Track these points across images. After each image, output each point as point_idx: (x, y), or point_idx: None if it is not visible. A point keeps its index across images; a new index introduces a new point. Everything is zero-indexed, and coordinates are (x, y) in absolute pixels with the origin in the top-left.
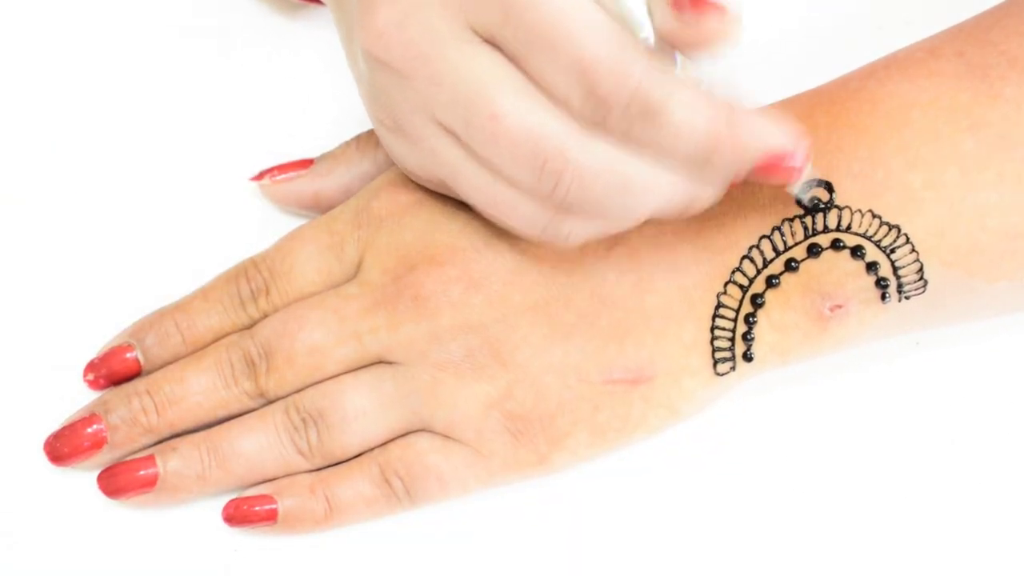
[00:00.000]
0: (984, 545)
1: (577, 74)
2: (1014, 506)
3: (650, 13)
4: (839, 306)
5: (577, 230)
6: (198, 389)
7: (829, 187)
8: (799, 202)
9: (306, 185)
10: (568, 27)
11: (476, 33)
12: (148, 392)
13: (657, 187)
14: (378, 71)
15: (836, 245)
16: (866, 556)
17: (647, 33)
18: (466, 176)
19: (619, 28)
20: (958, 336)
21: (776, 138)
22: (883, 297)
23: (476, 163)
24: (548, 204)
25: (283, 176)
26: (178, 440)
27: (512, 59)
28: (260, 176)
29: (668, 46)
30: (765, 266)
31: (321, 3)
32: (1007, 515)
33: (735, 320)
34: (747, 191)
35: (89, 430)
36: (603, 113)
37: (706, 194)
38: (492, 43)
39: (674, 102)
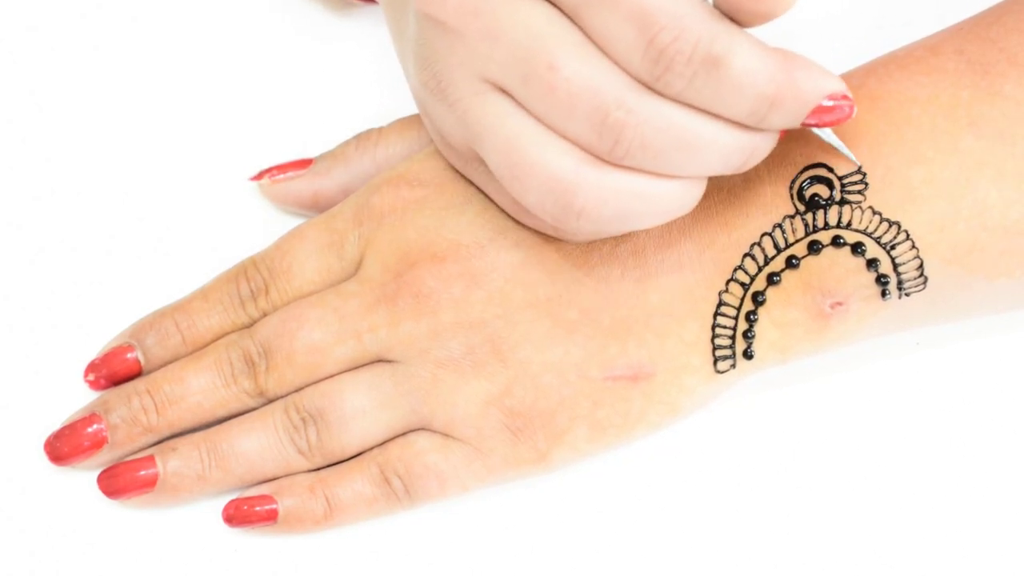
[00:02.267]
0: (983, 543)
1: (637, 26)
2: (1013, 505)
3: None
4: (839, 303)
5: (597, 209)
6: (198, 388)
7: (830, 184)
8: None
9: (305, 185)
10: None
11: None
12: (148, 392)
13: (719, 141)
14: (429, 29)
15: (836, 242)
16: (865, 554)
17: None
18: (509, 136)
19: None
20: (958, 333)
21: (832, 81)
22: (883, 294)
23: (521, 122)
24: (588, 165)
25: (282, 176)
26: (178, 440)
27: (570, 14)
28: (260, 176)
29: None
30: (767, 263)
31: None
32: (1006, 514)
33: (736, 318)
34: (750, 188)
35: (89, 430)
36: (664, 66)
37: (765, 145)
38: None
39: (736, 52)
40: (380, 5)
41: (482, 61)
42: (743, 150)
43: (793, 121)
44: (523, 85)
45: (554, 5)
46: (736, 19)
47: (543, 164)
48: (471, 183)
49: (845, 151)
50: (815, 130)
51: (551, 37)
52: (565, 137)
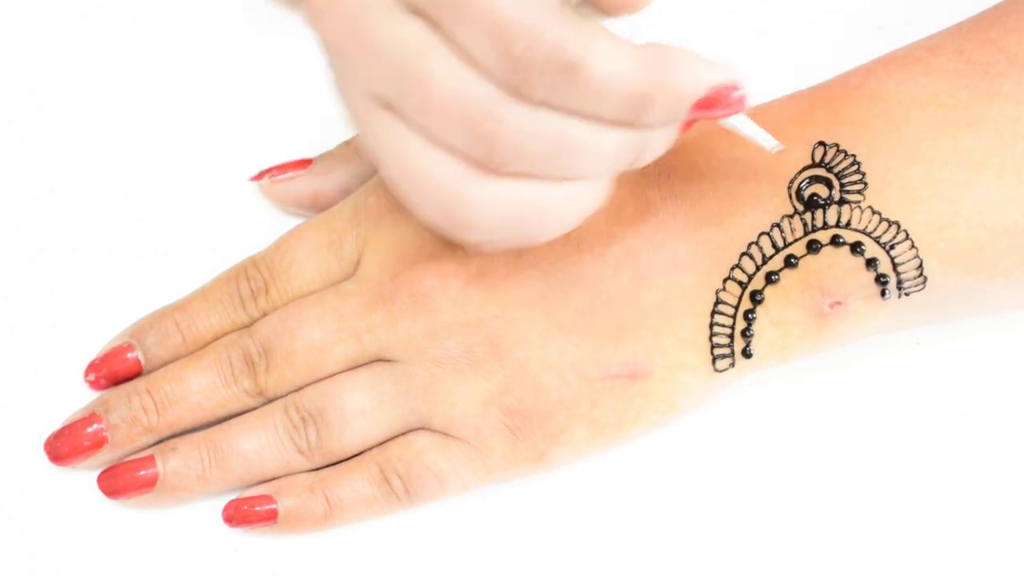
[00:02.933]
0: (983, 543)
1: (493, 37)
2: (1013, 504)
3: None
4: (838, 302)
5: (486, 217)
6: (197, 388)
7: (829, 184)
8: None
9: (305, 185)
10: None
11: (403, 3)
12: (148, 391)
13: (597, 144)
14: (325, 47)
15: (836, 241)
16: (865, 553)
17: None
18: (394, 149)
19: None
20: (957, 333)
21: (713, 72)
22: (882, 294)
23: (406, 136)
24: (471, 174)
25: (282, 176)
26: (178, 440)
27: (437, 26)
28: (259, 176)
29: (589, 7)
30: (764, 262)
31: None
32: (1006, 513)
33: (734, 317)
34: (747, 187)
35: (89, 430)
36: (522, 75)
37: (659, 139)
38: (418, 14)
39: (593, 55)
40: None
41: (366, 78)
42: (631, 147)
43: (674, 116)
44: (401, 99)
45: (427, 19)
46: (605, 12)
47: (428, 175)
48: None
49: (760, 138)
50: (725, 123)
51: (421, 51)
52: (446, 148)
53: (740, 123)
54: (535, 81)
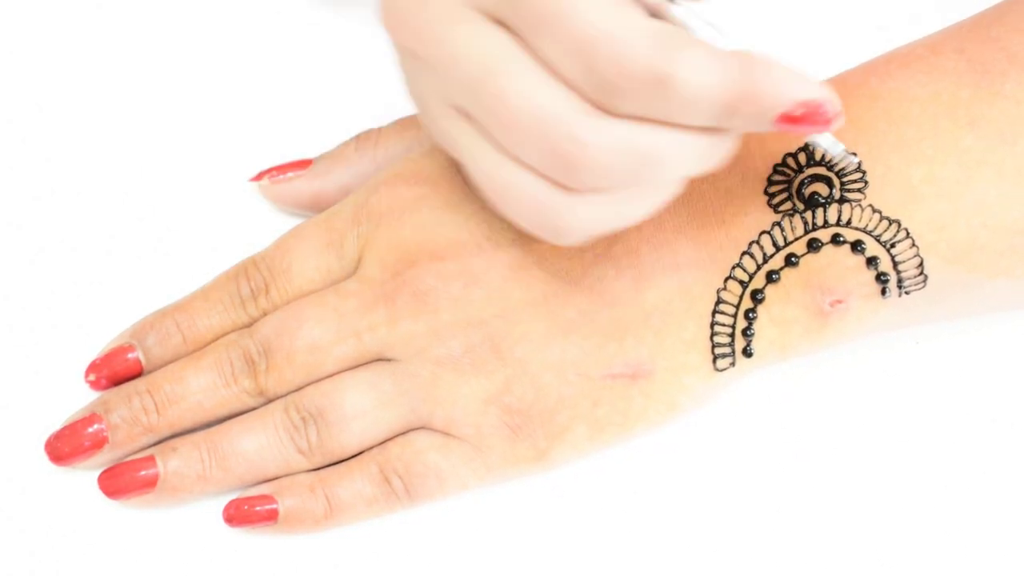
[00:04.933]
0: (983, 542)
1: (580, 52)
2: (1013, 504)
3: None
4: (839, 301)
5: (580, 227)
6: (198, 388)
7: (829, 182)
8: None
9: (305, 185)
10: (567, 2)
11: (484, 13)
12: (148, 391)
13: (679, 155)
14: (402, 56)
15: (836, 240)
16: (865, 553)
17: None
18: (477, 160)
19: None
20: (957, 332)
21: (803, 87)
22: (883, 292)
23: (487, 147)
24: (558, 191)
25: (282, 176)
26: (178, 440)
27: (519, 38)
28: (259, 176)
29: None
30: (765, 261)
31: None
32: (1006, 513)
33: (735, 316)
34: (747, 186)
35: (90, 430)
36: (610, 91)
37: (727, 147)
38: (501, 23)
39: (683, 67)
40: None
41: (444, 87)
42: (713, 151)
43: (758, 126)
44: (480, 112)
45: (507, 29)
46: None
47: (518, 187)
48: (469, 182)
49: (836, 151)
50: (809, 139)
51: (502, 63)
52: (527, 164)
53: (822, 138)
54: (623, 95)
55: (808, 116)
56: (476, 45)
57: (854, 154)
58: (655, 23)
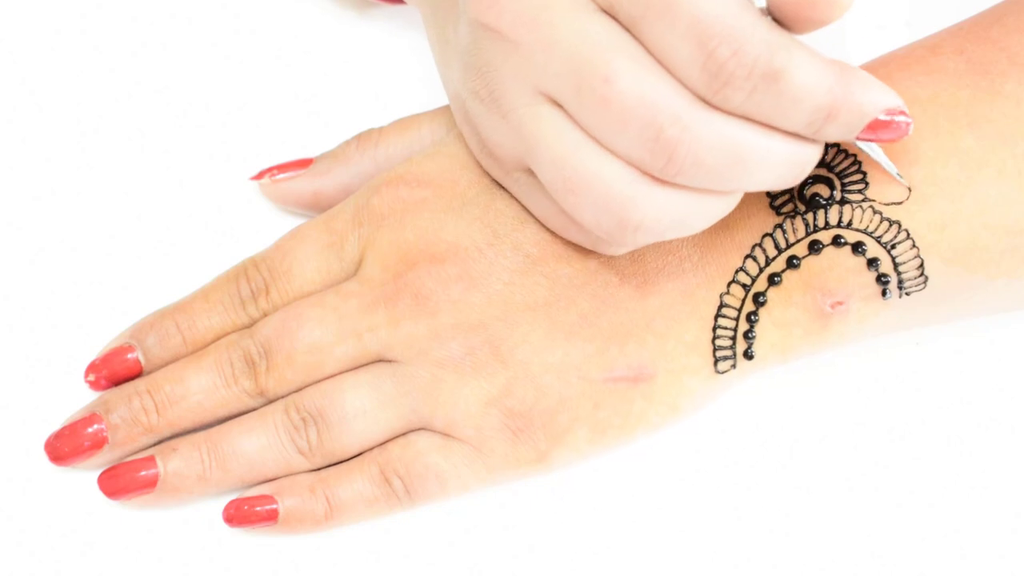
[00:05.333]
0: (983, 543)
1: (695, 40)
2: (1013, 504)
3: None
4: (840, 303)
5: (648, 222)
6: (198, 388)
7: (830, 183)
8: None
9: (305, 184)
10: None
11: (595, 1)
12: (148, 392)
13: (772, 156)
14: (485, 38)
15: (837, 241)
16: (865, 553)
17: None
18: (559, 149)
19: None
20: (958, 333)
21: (890, 96)
22: (884, 293)
23: (574, 136)
24: (640, 181)
25: (283, 175)
26: (178, 440)
27: (628, 27)
28: (260, 175)
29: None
30: (768, 264)
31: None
32: (1006, 513)
33: (737, 319)
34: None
35: (89, 430)
36: (723, 81)
37: (811, 162)
38: (608, 12)
39: (795, 65)
40: (420, 13)
41: (537, 72)
42: (796, 163)
43: (848, 133)
44: (577, 97)
45: (613, 18)
46: (790, 27)
47: (599, 180)
48: (471, 185)
49: (893, 170)
50: (863, 147)
51: (608, 49)
52: (618, 152)
53: (877, 153)
54: (735, 88)
55: (893, 124)
56: (585, 30)
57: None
58: (768, 18)
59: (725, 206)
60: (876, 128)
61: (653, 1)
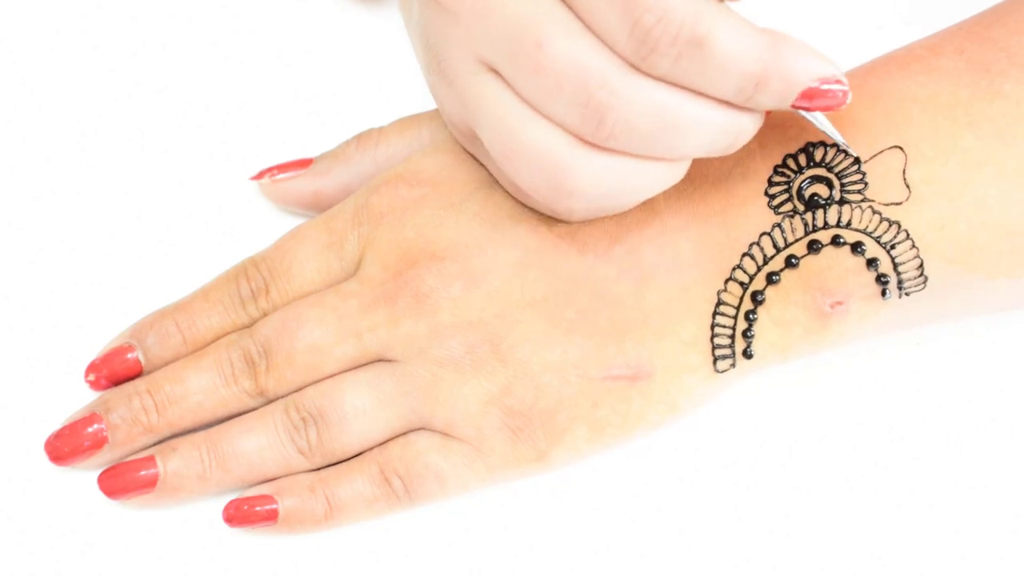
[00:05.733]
0: (983, 543)
1: (622, 7)
2: (1013, 504)
3: None
4: (839, 302)
5: (585, 188)
6: (198, 388)
7: (830, 184)
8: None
9: (306, 184)
10: None
11: None
12: (148, 391)
13: (704, 123)
14: (432, 11)
15: (836, 241)
16: (865, 553)
17: None
18: (497, 116)
19: None
20: (958, 333)
21: (824, 64)
22: (883, 293)
23: (511, 103)
24: (575, 146)
25: (283, 175)
26: (178, 440)
27: None
28: (260, 175)
29: None
30: (766, 263)
31: None
32: (1006, 513)
33: (735, 317)
34: (749, 187)
35: (89, 430)
36: (649, 47)
37: (748, 130)
38: None
39: (720, 32)
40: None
41: (476, 41)
42: (729, 130)
43: (781, 102)
44: (512, 64)
45: None
46: None
47: (534, 144)
48: (470, 182)
49: (838, 138)
50: (808, 116)
51: (540, 16)
52: (552, 118)
53: (822, 121)
54: (661, 54)
55: (828, 93)
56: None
57: (857, 158)
58: None
59: (664, 177)
60: (811, 97)
61: None
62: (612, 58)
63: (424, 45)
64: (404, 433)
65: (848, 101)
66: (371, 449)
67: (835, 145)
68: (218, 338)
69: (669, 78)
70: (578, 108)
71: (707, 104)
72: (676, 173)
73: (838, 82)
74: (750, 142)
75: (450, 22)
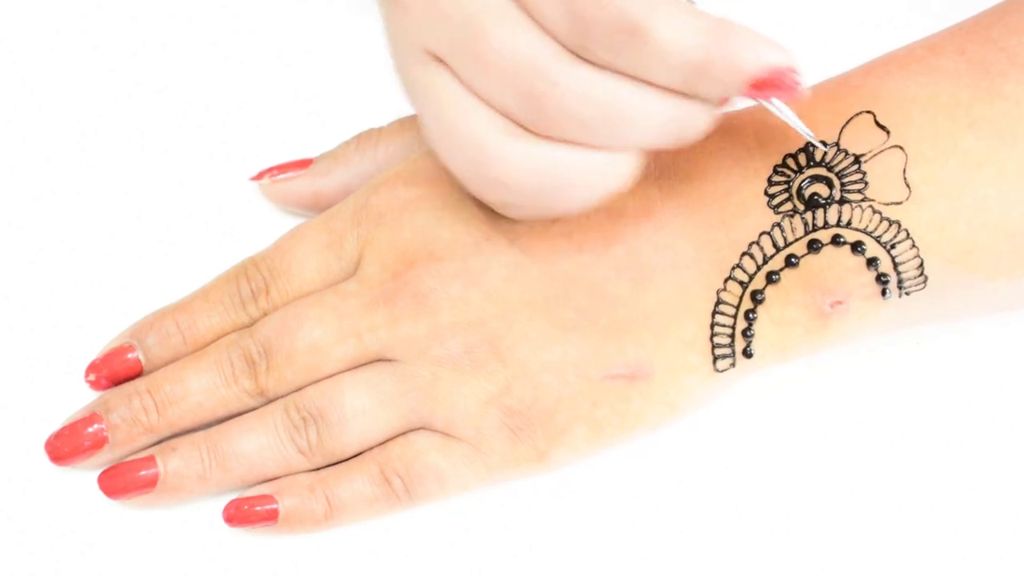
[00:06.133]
0: (983, 543)
1: None
2: (1013, 505)
3: None
4: (839, 302)
5: (512, 175)
6: (198, 388)
7: (830, 183)
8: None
9: (305, 185)
10: None
11: None
12: (148, 391)
13: (646, 113)
14: (387, 5)
15: (836, 241)
16: (865, 553)
17: None
18: (439, 104)
19: None
20: (958, 333)
21: (774, 52)
22: (883, 293)
23: (454, 91)
24: (505, 135)
25: (283, 176)
26: (178, 440)
27: None
28: (260, 176)
29: None
30: (765, 262)
31: None
32: (1006, 513)
33: (735, 317)
34: (749, 187)
35: (90, 430)
36: (586, 35)
37: (699, 120)
38: None
39: (658, 20)
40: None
41: (423, 31)
42: (675, 120)
43: (727, 91)
44: (454, 53)
45: None
46: None
47: (466, 131)
48: None
49: (804, 131)
50: (770, 107)
51: (483, 6)
52: (493, 106)
53: (781, 108)
54: (598, 42)
55: (779, 82)
56: None
57: (824, 142)
58: None
59: (607, 171)
60: (763, 87)
61: None
62: (554, 47)
63: (386, 36)
64: (404, 433)
65: (803, 89)
66: (371, 449)
67: (836, 144)
68: (218, 338)
69: (611, 67)
70: (519, 96)
71: (651, 93)
72: (621, 169)
73: (791, 72)
74: (750, 141)
75: (401, 14)
